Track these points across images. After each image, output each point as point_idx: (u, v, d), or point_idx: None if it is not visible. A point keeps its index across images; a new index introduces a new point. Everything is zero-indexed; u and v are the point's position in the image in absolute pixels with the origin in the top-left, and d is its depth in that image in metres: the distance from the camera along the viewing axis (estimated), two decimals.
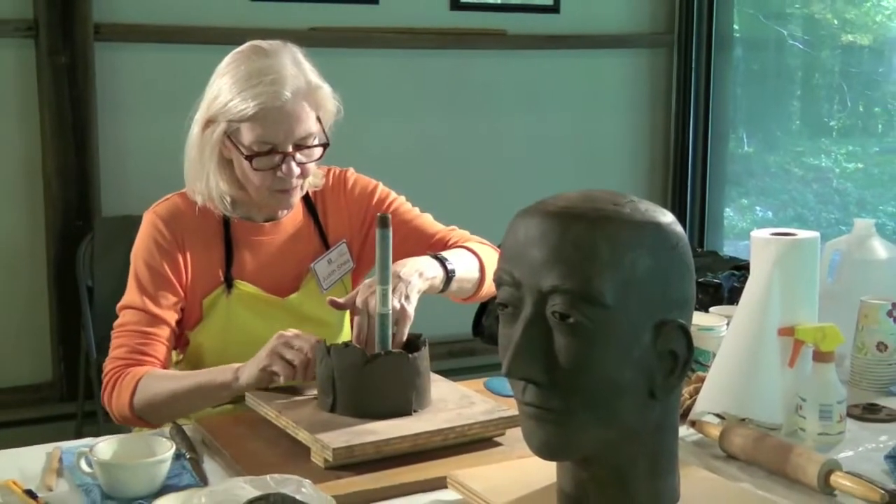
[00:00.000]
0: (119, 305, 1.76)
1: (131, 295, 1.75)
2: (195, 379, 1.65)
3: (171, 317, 1.75)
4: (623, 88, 3.70)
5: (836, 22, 3.63)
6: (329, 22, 3.16)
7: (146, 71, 3.00)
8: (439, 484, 1.35)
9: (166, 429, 1.59)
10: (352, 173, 1.92)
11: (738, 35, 3.78)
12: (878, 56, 3.54)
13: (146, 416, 1.67)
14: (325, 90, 1.75)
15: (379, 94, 3.23)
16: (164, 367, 1.73)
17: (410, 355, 1.52)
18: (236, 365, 1.62)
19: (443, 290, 1.73)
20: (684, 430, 1.51)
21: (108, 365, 1.72)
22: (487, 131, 3.47)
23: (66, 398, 2.94)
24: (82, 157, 2.90)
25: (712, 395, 1.55)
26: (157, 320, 1.72)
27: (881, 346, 1.76)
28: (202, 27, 3.00)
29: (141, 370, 1.68)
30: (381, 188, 1.92)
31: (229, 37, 2.85)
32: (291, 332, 1.59)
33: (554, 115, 3.57)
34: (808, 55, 3.72)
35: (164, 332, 1.73)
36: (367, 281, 1.62)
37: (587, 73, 3.62)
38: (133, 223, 1.85)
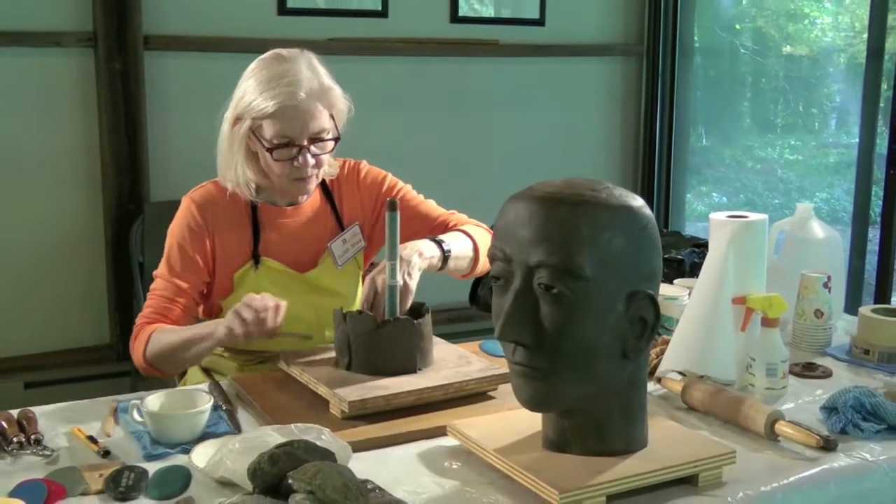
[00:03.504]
0: (154, 272, 1.77)
1: (163, 267, 1.76)
2: (188, 332, 1.64)
3: (193, 290, 1.75)
4: (600, 91, 3.68)
5: (779, 35, 3.62)
6: (345, 33, 3.13)
7: (188, 75, 2.97)
8: (440, 432, 1.35)
9: (205, 384, 1.58)
10: (364, 165, 1.90)
11: (697, 45, 3.76)
12: (814, 64, 3.52)
13: (157, 366, 1.68)
14: (337, 91, 1.73)
15: (388, 96, 3.21)
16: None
17: (415, 321, 1.51)
18: (219, 321, 1.61)
19: (441, 268, 1.72)
20: (652, 386, 1.51)
21: (136, 321, 1.73)
22: (482, 127, 3.46)
23: (122, 358, 2.93)
24: (134, 149, 2.88)
25: (676, 355, 1.55)
26: (180, 291, 1.73)
27: (818, 313, 1.76)
28: (236, 38, 2.98)
29: (154, 326, 1.69)
30: (391, 178, 1.90)
31: (259, 46, 2.80)
32: (256, 295, 1.56)
33: (540, 114, 3.55)
34: (756, 63, 3.70)
35: (186, 301, 1.74)
36: (383, 262, 1.61)
37: (569, 78, 3.60)
38: (177, 207, 1.84)
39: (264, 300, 1.54)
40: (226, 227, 1.76)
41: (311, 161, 1.70)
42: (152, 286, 1.75)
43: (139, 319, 1.72)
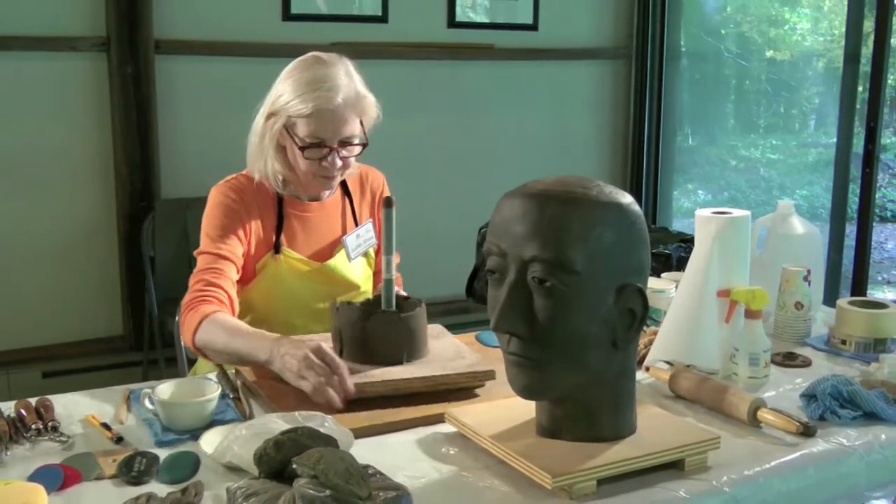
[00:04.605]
0: (195, 252, 1.72)
1: (203, 243, 1.71)
2: (243, 344, 1.53)
3: (236, 258, 1.70)
4: (590, 92, 3.68)
5: (761, 39, 3.61)
6: (347, 37, 3.12)
7: (197, 78, 2.97)
8: (438, 419, 1.34)
9: (213, 374, 1.58)
10: (385, 184, 1.92)
11: (684, 49, 3.75)
12: (795, 67, 3.53)
13: (204, 351, 1.62)
14: (370, 99, 1.74)
15: (388, 98, 3.18)
16: (230, 298, 1.66)
17: (402, 314, 1.50)
18: (272, 347, 1.47)
19: None
20: (640, 375, 1.50)
21: (185, 298, 1.66)
22: (479, 127, 3.45)
23: (134, 349, 2.94)
24: (145, 149, 2.88)
25: (663, 345, 1.54)
26: (222, 259, 1.68)
27: (798, 305, 1.75)
28: (242, 42, 2.97)
29: (207, 308, 1.60)
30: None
31: (265, 50, 2.82)
32: (314, 352, 1.40)
33: (534, 114, 3.54)
34: (740, 66, 3.69)
35: (230, 268, 1.68)
36: None
37: (561, 80, 3.59)
38: (187, 205, 1.83)
39: (325, 368, 1.36)
40: (254, 216, 1.76)
41: (339, 163, 1.70)
42: (196, 267, 1.69)
43: (189, 297, 1.63)
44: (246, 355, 1.53)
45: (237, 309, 1.71)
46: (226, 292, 1.67)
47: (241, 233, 1.72)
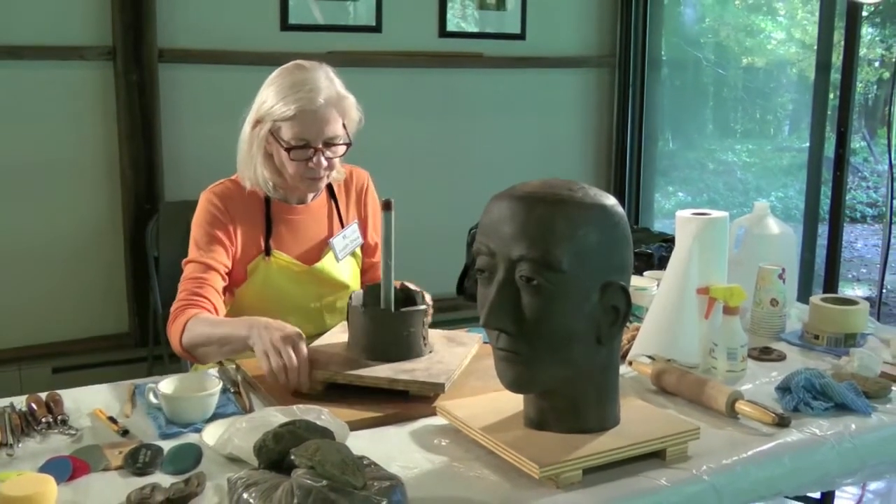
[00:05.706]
0: (183, 261, 1.73)
1: (191, 252, 1.73)
2: (224, 328, 1.55)
3: (222, 268, 1.71)
4: (576, 99, 3.68)
5: (738, 48, 3.62)
6: (342, 47, 3.11)
7: (199, 85, 2.95)
8: (430, 412, 1.34)
9: (215, 369, 1.57)
10: (370, 182, 1.92)
11: (665, 58, 3.76)
12: (770, 75, 3.53)
13: (192, 353, 1.62)
14: (351, 101, 1.73)
15: (382, 104, 3.19)
16: (214, 306, 1.66)
17: (393, 312, 1.49)
18: (252, 323, 1.48)
19: None
20: (624, 369, 1.51)
21: (172, 307, 1.67)
22: (468, 133, 3.45)
23: (139, 345, 2.92)
24: (150, 153, 2.86)
25: (645, 341, 1.55)
26: (209, 268, 1.68)
27: (773, 302, 1.76)
28: (242, 51, 2.96)
29: (192, 312, 1.62)
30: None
31: (263, 59, 2.80)
32: (285, 338, 1.41)
33: (521, 120, 3.54)
34: (718, 74, 3.70)
35: (216, 278, 1.69)
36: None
37: (547, 87, 3.59)
38: (190, 206, 1.83)
39: (290, 356, 1.38)
40: (242, 220, 1.76)
41: (324, 163, 1.70)
42: (183, 275, 1.70)
43: (175, 305, 1.65)
44: (227, 335, 1.52)
45: (223, 312, 1.71)
46: (210, 301, 1.67)
47: (226, 241, 1.72)
